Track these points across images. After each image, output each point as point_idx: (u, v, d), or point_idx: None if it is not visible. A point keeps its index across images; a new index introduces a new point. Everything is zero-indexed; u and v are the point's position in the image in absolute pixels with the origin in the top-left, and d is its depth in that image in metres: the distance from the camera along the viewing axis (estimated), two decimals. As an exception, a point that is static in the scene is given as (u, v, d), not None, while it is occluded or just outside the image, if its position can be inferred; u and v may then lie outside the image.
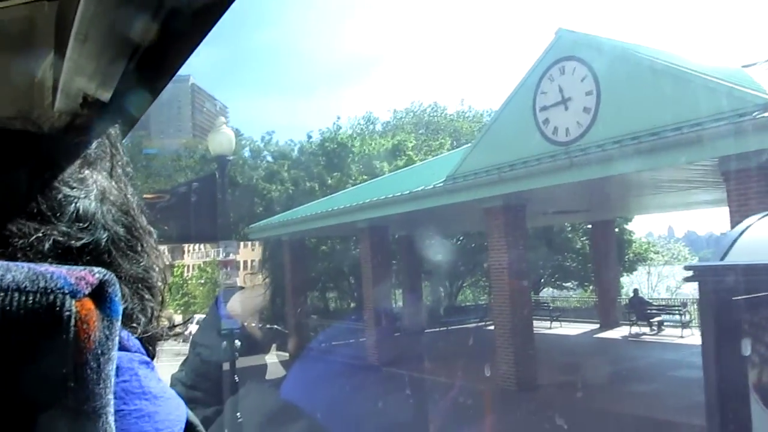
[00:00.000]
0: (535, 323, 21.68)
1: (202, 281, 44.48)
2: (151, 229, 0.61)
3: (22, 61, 0.74)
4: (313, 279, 24.54)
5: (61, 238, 0.49)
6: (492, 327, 22.15)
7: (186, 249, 48.83)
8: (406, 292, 22.52)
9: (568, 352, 15.95)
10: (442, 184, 12.19)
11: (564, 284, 31.80)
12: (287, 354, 20.19)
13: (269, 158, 28.30)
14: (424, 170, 19.75)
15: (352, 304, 26.32)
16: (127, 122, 0.89)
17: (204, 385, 1.54)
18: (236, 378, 2.05)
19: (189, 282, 45.59)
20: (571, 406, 10.44)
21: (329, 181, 25.49)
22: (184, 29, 0.72)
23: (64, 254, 0.49)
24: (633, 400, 10.67)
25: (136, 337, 0.53)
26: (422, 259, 23.43)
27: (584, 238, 29.61)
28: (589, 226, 26.40)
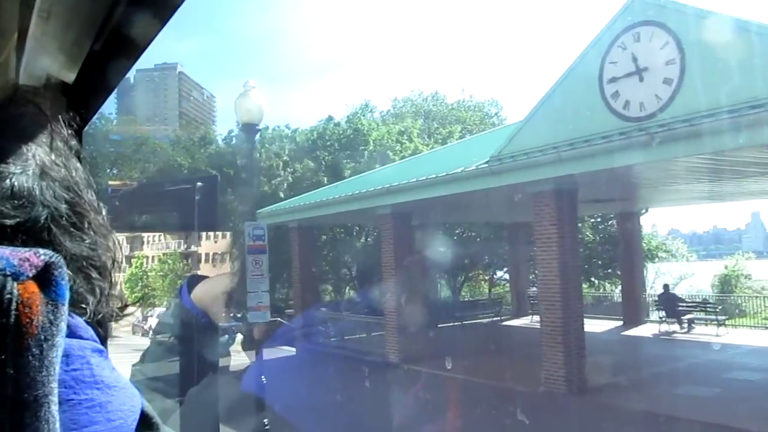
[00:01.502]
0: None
1: (162, 273, 42.99)
2: (99, 204, 0.58)
3: None
4: (323, 268, 23.38)
5: None
6: (509, 322, 21.56)
7: (145, 240, 47.26)
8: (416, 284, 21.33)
9: (603, 351, 14.88)
10: (486, 165, 11.03)
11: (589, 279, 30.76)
12: (294, 349, 18.98)
13: (275, 144, 26.92)
14: (443, 154, 18.59)
15: (373, 296, 25.25)
16: (93, 104, 0.89)
17: (165, 376, 1.55)
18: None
19: (149, 274, 43.89)
20: (636, 412, 9.38)
21: (344, 169, 24.33)
22: (151, 8, 0.72)
23: None
24: (700, 406, 9.63)
25: (86, 320, 0.50)
26: (435, 250, 22.33)
27: (601, 230, 28.75)
28: (611, 216, 25.76)
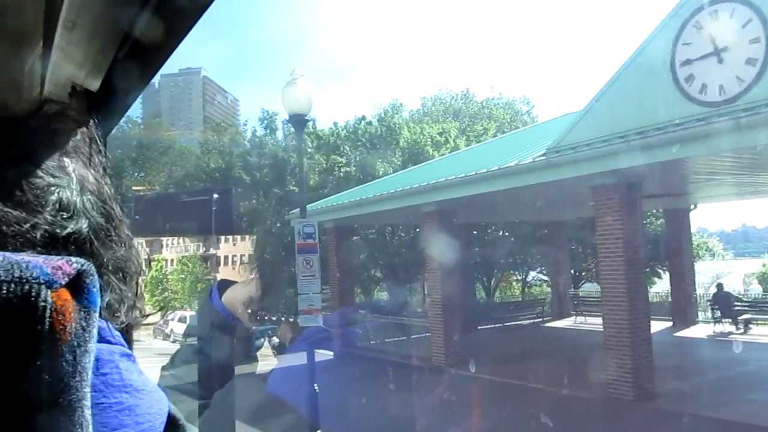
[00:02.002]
0: (591, 320, 20.06)
1: (183, 276, 42.82)
2: (125, 218, 0.60)
3: (10, 50, 0.68)
4: (361, 270, 22.88)
5: (48, 227, 0.49)
6: (551, 324, 20.84)
7: (164, 243, 47.24)
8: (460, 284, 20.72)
9: (662, 354, 14.13)
10: (544, 158, 10.38)
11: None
12: (331, 353, 18.46)
13: (308, 143, 26.48)
14: (481, 151, 17.96)
15: (406, 298, 24.77)
16: (117, 112, 0.91)
17: (196, 378, 1.60)
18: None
19: (169, 277, 43.70)
20: (716, 421, 8.67)
21: (376, 168, 23.80)
22: (174, 17, 0.73)
23: (52, 243, 0.49)
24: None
25: (116, 328, 0.52)
26: (474, 249, 21.75)
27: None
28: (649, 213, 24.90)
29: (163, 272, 44.38)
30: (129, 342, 0.55)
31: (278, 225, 24.50)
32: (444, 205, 13.55)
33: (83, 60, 0.74)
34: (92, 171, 0.58)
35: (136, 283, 0.59)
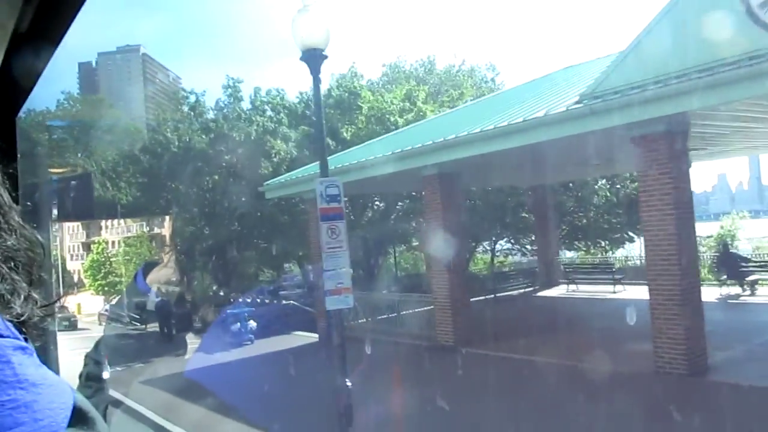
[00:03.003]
0: (584, 288, 19.19)
1: (129, 258, 40.59)
2: (14, 205, 0.58)
3: None
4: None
5: None
6: (543, 293, 19.87)
7: (104, 225, 44.64)
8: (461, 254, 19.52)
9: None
10: (582, 106, 9.07)
11: (596, 242, 29.15)
12: (316, 335, 16.97)
13: (270, 112, 24.44)
14: (482, 108, 16.54)
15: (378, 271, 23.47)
16: (23, 89, 0.90)
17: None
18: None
19: (112, 260, 41.37)
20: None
21: (344, 135, 22.19)
22: None
23: None
24: None
25: (10, 320, 0.50)
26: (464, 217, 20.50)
27: (617, 190, 27.19)
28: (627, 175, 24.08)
29: (105, 255, 41.75)
30: (31, 336, 0.52)
31: (243, 200, 22.78)
32: (447, 167, 12.19)
33: None
34: None
35: (31, 272, 0.55)
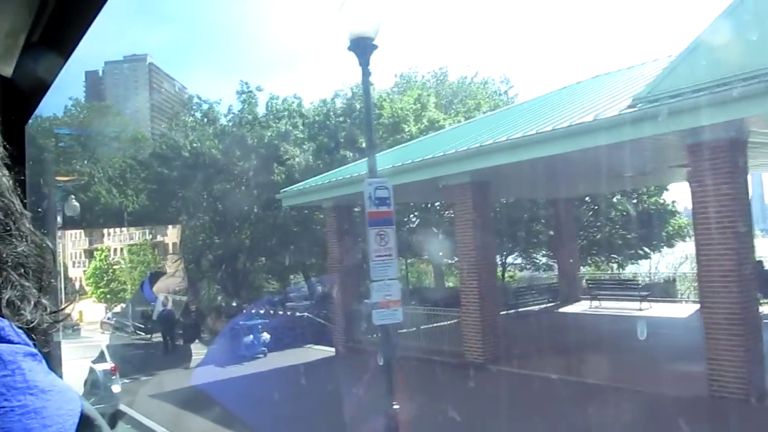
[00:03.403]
0: (618, 305, 18.51)
1: (132, 265, 39.98)
2: (26, 211, 0.58)
3: None
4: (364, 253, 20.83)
5: None
6: (564, 309, 19.21)
7: (106, 232, 44.10)
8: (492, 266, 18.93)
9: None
10: (636, 109, 8.51)
11: (611, 257, 28.53)
12: (331, 348, 16.32)
13: (286, 119, 23.90)
14: (509, 115, 15.99)
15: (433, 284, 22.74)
16: (34, 97, 0.93)
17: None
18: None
19: (115, 267, 40.59)
20: None
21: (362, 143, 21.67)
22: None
23: None
24: None
25: (20, 327, 0.50)
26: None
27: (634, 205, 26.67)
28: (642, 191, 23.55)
29: (107, 262, 41.10)
30: (39, 343, 0.52)
31: (255, 209, 22.18)
32: (481, 175, 11.63)
33: None
34: None
35: (41, 278, 0.55)
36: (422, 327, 15.55)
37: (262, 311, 19.71)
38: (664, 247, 30.72)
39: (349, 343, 15.48)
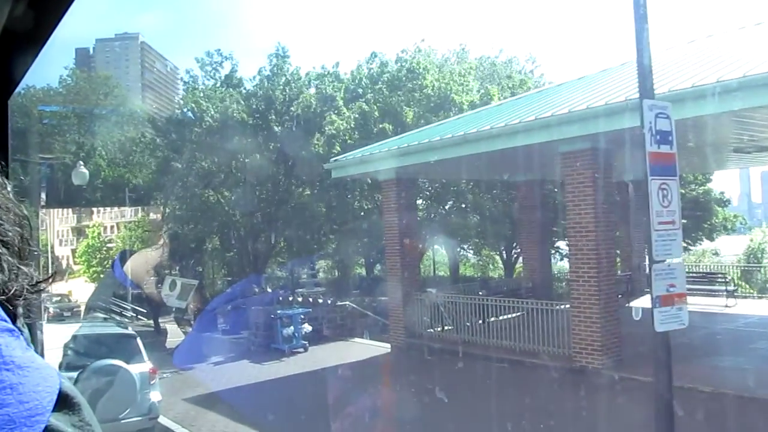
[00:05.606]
0: (700, 300, 16.37)
1: (129, 244, 37.62)
2: (6, 181, 0.56)
3: None
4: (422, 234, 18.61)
5: None
6: (634, 303, 17.07)
7: (95, 210, 41.48)
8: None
9: None
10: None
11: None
12: (388, 345, 14.09)
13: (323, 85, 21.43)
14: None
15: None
16: (13, 75, 0.91)
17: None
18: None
19: (109, 245, 37.88)
20: None
21: (405, 117, 19.50)
22: None
23: None
24: None
25: None
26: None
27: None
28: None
29: (100, 240, 38.40)
30: (14, 314, 0.49)
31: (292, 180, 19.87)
32: (599, 140, 9.51)
33: None
34: None
35: (20, 247, 0.53)
36: (500, 318, 13.11)
37: (281, 298, 17.75)
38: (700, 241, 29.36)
39: (410, 339, 13.28)
